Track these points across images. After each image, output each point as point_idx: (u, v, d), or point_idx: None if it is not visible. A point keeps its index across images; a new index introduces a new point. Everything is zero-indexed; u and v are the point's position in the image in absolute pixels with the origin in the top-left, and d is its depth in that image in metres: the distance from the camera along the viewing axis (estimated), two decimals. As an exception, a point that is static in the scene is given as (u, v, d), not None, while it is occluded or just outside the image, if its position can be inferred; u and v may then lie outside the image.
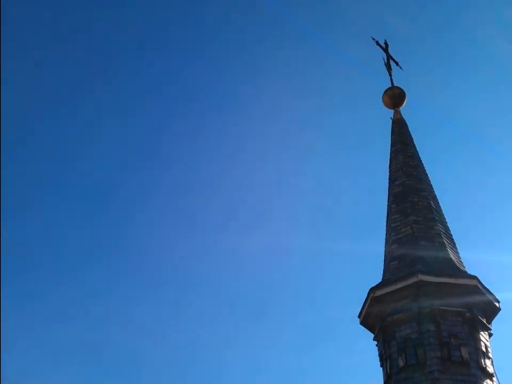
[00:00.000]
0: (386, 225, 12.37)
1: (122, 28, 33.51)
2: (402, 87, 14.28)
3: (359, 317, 11.32)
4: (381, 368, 10.57)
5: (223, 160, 32.35)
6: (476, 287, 10.48)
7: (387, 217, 12.49)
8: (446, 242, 11.56)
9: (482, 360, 9.91)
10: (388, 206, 12.62)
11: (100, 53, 33.27)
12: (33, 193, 32.83)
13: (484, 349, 10.09)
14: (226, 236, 29.28)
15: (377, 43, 14.99)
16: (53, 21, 32.16)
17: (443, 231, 11.80)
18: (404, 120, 14.04)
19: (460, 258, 11.57)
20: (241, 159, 32.29)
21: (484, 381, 9.72)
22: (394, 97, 14.16)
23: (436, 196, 12.67)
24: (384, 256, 11.91)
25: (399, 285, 10.56)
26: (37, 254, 32.63)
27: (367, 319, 11.18)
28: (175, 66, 33.97)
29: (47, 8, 31.57)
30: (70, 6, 31.55)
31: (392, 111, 14.19)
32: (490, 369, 9.98)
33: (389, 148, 13.63)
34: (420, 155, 13.40)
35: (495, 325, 10.81)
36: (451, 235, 11.97)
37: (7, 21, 26.09)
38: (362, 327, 11.41)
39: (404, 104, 14.24)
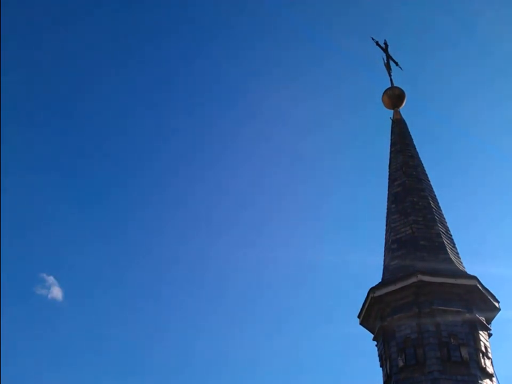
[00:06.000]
0: (386, 225, 12.36)
1: (122, 27, 33.57)
2: (402, 87, 14.27)
3: (358, 317, 11.30)
4: (381, 368, 10.57)
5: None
6: (475, 287, 10.48)
7: (387, 217, 12.47)
8: (445, 242, 11.54)
9: (482, 360, 9.90)
10: (388, 206, 12.61)
11: (102, 50, 33.38)
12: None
13: (483, 349, 10.08)
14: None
15: (377, 43, 14.94)
16: (52, 19, 32.25)
17: (443, 231, 11.78)
18: (404, 120, 14.02)
19: (459, 258, 11.56)
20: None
21: (483, 381, 9.71)
22: (394, 97, 14.13)
23: (435, 196, 12.65)
24: (384, 256, 11.90)
25: (399, 285, 10.56)
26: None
27: (367, 319, 11.17)
28: (174, 67, 34.00)
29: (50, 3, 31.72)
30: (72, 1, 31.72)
31: (392, 111, 14.17)
32: (490, 369, 9.97)
33: (389, 148, 13.62)
34: (420, 155, 13.40)
35: (495, 325, 10.83)
36: (451, 235, 11.95)
37: (6, 17, 26.18)
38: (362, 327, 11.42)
39: (404, 104, 14.21)
